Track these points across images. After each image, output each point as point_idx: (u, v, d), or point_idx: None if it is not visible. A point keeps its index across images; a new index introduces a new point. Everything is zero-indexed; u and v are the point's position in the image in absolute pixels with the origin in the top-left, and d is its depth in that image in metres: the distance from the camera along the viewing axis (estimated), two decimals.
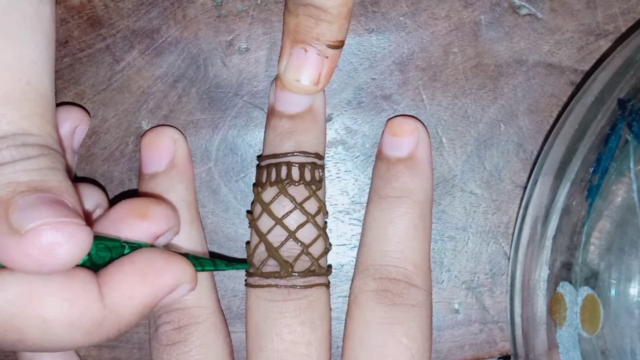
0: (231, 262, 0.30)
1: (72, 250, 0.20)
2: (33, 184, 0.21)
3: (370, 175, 0.32)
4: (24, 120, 0.22)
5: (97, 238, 0.23)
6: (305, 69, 0.29)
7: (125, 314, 0.22)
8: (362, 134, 0.32)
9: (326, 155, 0.32)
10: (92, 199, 0.29)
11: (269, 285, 0.29)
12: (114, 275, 0.22)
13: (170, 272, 0.23)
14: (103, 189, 0.31)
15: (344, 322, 0.31)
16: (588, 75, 0.32)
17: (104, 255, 0.23)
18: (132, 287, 0.22)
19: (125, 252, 0.24)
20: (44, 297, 0.20)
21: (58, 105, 0.30)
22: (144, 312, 0.23)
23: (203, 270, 0.27)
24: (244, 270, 0.31)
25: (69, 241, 0.20)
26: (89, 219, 0.26)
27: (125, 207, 0.26)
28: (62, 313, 0.20)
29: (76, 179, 0.31)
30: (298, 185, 0.29)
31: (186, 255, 0.26)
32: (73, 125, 0.30)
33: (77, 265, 0.22)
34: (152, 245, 0.25)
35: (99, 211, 0.29)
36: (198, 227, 0.31)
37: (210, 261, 0.28)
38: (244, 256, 0.32)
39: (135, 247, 0.24)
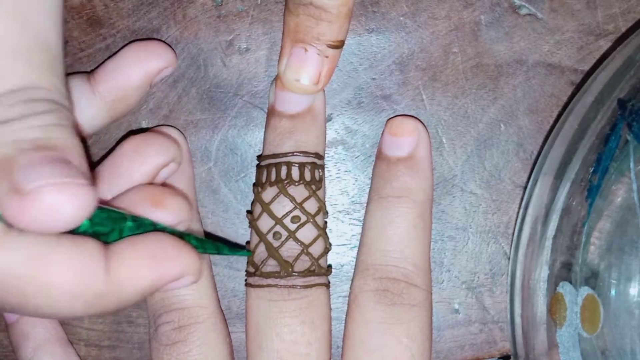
0: (234, 247, 0.30)
1: (74, 211, 0.19)
2: (38, 141, 0.20)
3: (370, 175, 0.32)
4: (33, 74, 0.21)
5: (101, 208, 0.23)
6: (305, 68, 0.29)
7: (127, 292, 0.22)
8: (362, 134, 0.32)
9: (326, 155, 0.32)
10: (166, 152, 0.28)
11: (269, 285, 0.29)
12: (123, 252, 0.22)
13: (179, 261, 0.23)
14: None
15: (344, 322, 0.31)
16: (588, 75, 0.32)
17: (106, 226, 0.22)
18: (139, 268, 0.22)
19: (127, 224, 0.23)
20: (51, 263, 0.20)
21: (149, 39, 0.31)
22: (144, 294, 0.22)
23: (205, 252, 0.27)
24: (244, 271, 0.31)
25: (70, 201, 0.19)
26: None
27: (141, 192, 0.25)
28: (67, 281, 0.20)
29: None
30: (298, 185, 0.29)
31: (189, 236, 0.26)
32: (163, 66, 0.30)
33: (85, 235, 0.21)
34: (154, 225, 0.25)
35: (173, 165, 0.28)
36: (198, 226, 0.31)
37: (212, 245, 0.28)
38: (244, 257, 0.32)
39: (138, 221, 0.24)
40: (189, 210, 0.26)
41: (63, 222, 0.19)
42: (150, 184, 0.27)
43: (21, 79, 0.21)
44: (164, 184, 0.29)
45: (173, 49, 0.31)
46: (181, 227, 0.26)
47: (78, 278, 0.20)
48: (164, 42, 0.31)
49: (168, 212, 0.25)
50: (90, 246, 0.21)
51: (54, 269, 0.20)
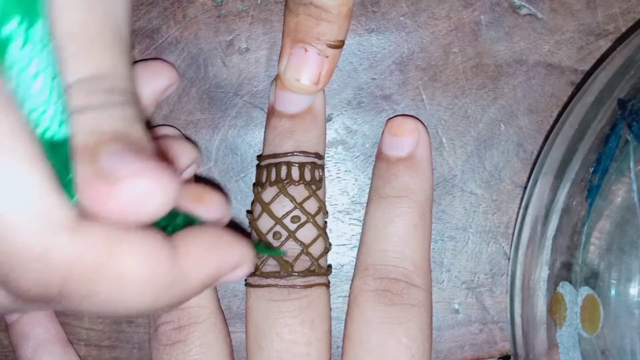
0: (266, 246, 0.30)
1: (164, 199, 0.19)
2: (118, 133, 0.20)
3: (370, 175, 0.32)
4: (114, 62, 0.21)
5: None
6: (305, 68, 0.29)
7: (192, 282, 0.21)
8: (362, 134, 0.32)
9: (326, 155, 0.32)
10: (189, 153, 0.28)
11: (269, 285, 0.29)
12: (187, 241, 0.21)
13: (236, 250, 0.23)
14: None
15: (344, 322, 0.31)
16: (588, 75, 0.32)
17: (163, 220, 0.22)
18: (203, 256, 0.22)
19: (179, 220, 0.23)
20: (123, 252, 0.19)
21: (151, 59, 0.31)
22: (207, 284, 0.22)
23: None
24: None
25: (161, 190, 0.19)
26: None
27: (184, 190, 0.25)
28: (139, 270, 0.19)
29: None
30: (298, 185, 0.29)
31: None
32: (168, 84, 0.30)
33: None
34: (202, 222, 0.25)
35: (194, 167, 0.29)
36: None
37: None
38: None
39: (189, 218, 0.24)
40: (227, 205, 0.26)
41: (152, 210, 0.19)
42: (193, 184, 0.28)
43: (104, 65, 0.21)
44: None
45: (174, 67, 0.31)
46: (220, 224, 0.26)
47: (149, 266, 0.19)
48: (164, 60, 0.31)
49: (209, 208, 0.25)
50: (158, 235, 0.20)
51: (126, 258, 0.19)
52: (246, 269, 0.23)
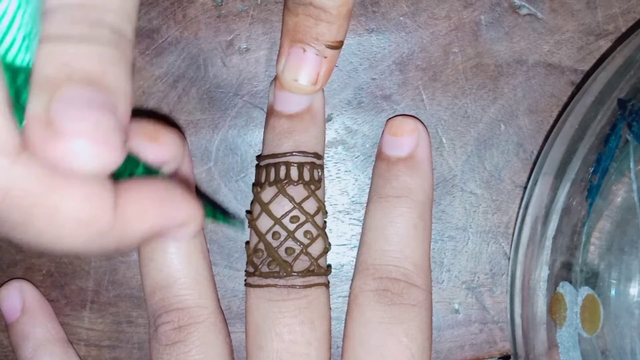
0: (230, 217, 0.29)
1: (96, 167, 0.18)
2: (91, 75, 0.18)
3: (370, 175, 0.32)
4: None
5: None
6: (303, 68, 0.29)
7: (130, 233, 0.20)
8: (362, 134, 0.32)
9: (326, 155, 0.32)
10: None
11: (268, 285, 0.29)
12: (132, 191, 0.21)
13: (185, 208, 0.22)
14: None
15: (344, 322, 0.31)
16: (588, 75, 0.32)
17: (119, 167, 0.22)
18: (147, 209, 0.21)
19: (139, 169, 0.23)
20: (63, 187, 0.18)
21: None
22: (146, 236, 0.21)
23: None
24: (243, 270, 0.31)
25: (98, 158, 0.18)
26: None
27: (137, 128, 0.24)
28: (75, 208, 0.19)
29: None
30: (297, 185, 0.29)
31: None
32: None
33: None
34: (162, 175, 0.24)
35: (172, 165, 0.26)
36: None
37: (210, 211, 0.27)
38: (244, 256, 0.32)
39: (148, 169, 0.23)
40: (182, 147, 0.25)
41: (81, 172, 0.18)
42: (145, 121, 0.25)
43: None
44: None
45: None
46: (173, 165, 0.25)
47: (87, 207, 0.19)
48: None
49: (162, 147, 0.24)
50: (103, 179, 0.19)
51: (65, 193, 0.18)
52: (192, 228, 0.23)
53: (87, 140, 0.18)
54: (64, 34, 0.18)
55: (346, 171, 0.32)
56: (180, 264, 0.30)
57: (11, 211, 0.18)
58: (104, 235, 0.20)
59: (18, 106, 0.18)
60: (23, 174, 0.18)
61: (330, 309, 0.31)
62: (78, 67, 0.18)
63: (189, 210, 0.22)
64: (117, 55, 0.19)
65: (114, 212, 0.20)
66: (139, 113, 0.32)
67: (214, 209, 0.27)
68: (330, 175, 0.32)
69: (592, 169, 0.28)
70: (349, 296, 0.30)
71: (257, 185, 0.30)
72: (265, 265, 0.29)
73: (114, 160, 0.18)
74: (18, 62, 0.18)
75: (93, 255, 0.20)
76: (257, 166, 0.31)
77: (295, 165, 0.29)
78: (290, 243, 0.29)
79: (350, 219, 0.32)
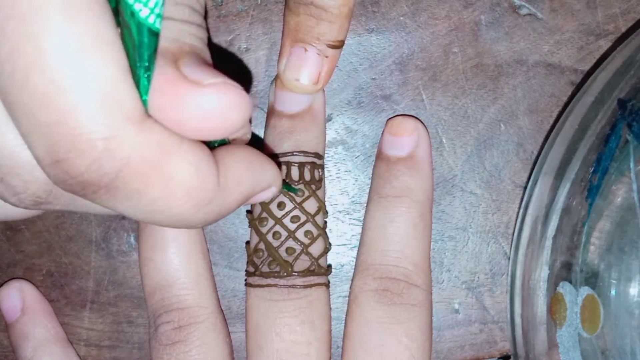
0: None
1: (242, 117, 0.19)
2: (196, 50, 0.20)
3: (370, 175, 0.32)
4: None
5: None
6: (304, 68, 0.29)
7: (229, 199, 0.21)
8: (362, 134, 0.32)
9: (326, 155, 0.32)
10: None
11: (268, 285, 0.29)
12: (227, 158, 0.21)
13: (269, 170, 0.23)
14: None
15: (344, 321, 0.31)
16: (588, 75, 0.32)
17: None
18: (241, 174, 0.21)
19: (214, 141, 0.23)
20: (178, 157, 0.19)
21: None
22: (242, 202, 0.22)
23: None
24: (244, 270, 0.31)
25: (241, 107, 0.19)
26: None
27: None
28: (188, 177, 0.19)
29: None
30: (297, 184, 0.29)
31: None
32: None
33: None
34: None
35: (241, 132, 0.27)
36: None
37: None
38: (244, 256, 0.32)
39: (222, 140, 0.24)
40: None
41: (230, 124, 0.19)
42: None
43: None
44: None
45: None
46: (241, 132, 0.25)
47: (198, 176, 0.19)
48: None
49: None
50: (207, 149, 0.20)
51: (179, 164, 0.19)
52: (275, 190, 0.24)
53: (230, 90, 0.18)
54: (171, 16, 0.20)
55: (346, 171, 0.32)
56: (180, 264, 0.30)
57: (129, 180, 0.18)
58: (210, 203, 0.20)
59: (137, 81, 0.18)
60: (145, 141, 0.18)
61: (331, 308, 0.31)
62: (185, 42, 0.20)
63: (273, 172, 0.23)
64: (205, 38, 0.22)
65: (217, 179, 0.20)
66: None
67: None
68: (330, 175, 0.32)
69: (592, 169, 0.28)
70: (349, 296, 0.30)
71: None
72: (266, 265, 0.29)
73: (248, 113, 0.19)
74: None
75: (194, 224, 0.20)
76: None
77: (296, 165, 0.29)
78: (290, 243, 0.29)
79: (350, 219, 0.32)
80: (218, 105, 0.18)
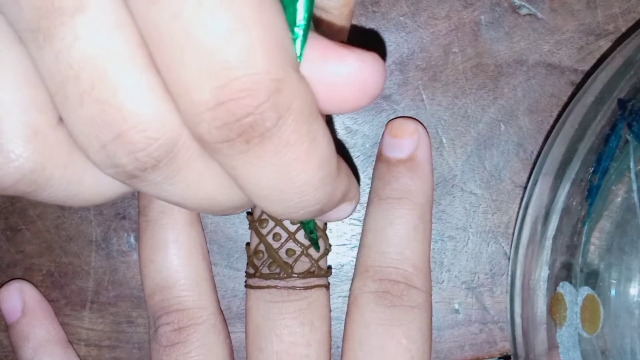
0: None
1: (381, 87, 0.19)
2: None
3: (370, 176, 0.32)
4: None
5: None
6: None
7: (338, 191, 0.21)
8: (362, 134, 0.32)
9: None
10: None
11: (268, 287, 0.29)
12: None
13: (354, 184, 0.23)
14: None
15: (344, 322, 0.31)
16: (588, 75, 0.32)
17: None
18: (344, 172, 0.21)
19: None
20: (319, 118, 0.18)
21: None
22: (340, 202, 0.22)
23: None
24: (244, 271, 0.31)
25: (383, 76, 0.18)
26: None
27: None
28: (324, 143, 0.19)
29: None
30: None
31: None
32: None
33: None
34: None
35: None
36: (198, 227, 0.31)
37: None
38: (244, 256, 0.32)
39: None
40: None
41: (372, 94, 0.18)
42: None
43: None
44: None
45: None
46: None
47: (329, 148, 0.19)
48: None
49: None
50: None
51: (321, 125, 0.18)
52: (354, 205, 0.23)
53: (376, 60, 0.18)
54: None
55: None
56: (180, 265, 0.30)
57: (284, 131, 0.17)
58: (329, 184, 0.19)
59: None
60: (304, 92, 0.18)
61: (331, 310, 0.31)
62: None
63: (356, 186, 0.23)
64: None
65: (337, 165, 0.20)
66: None
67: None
68: None
69: (592, 169, 0.28)
70: (349, 298, 0.30)
71: None
72: (266, 266, 0.29)
73: (383, 84, 0.19)
74: None
75: (309, 217, 0.20)
76: None
77: None
78: (290, 244, 0.29)
79: (350, 219, 0.32)
80: (362, 73, 0.18)
